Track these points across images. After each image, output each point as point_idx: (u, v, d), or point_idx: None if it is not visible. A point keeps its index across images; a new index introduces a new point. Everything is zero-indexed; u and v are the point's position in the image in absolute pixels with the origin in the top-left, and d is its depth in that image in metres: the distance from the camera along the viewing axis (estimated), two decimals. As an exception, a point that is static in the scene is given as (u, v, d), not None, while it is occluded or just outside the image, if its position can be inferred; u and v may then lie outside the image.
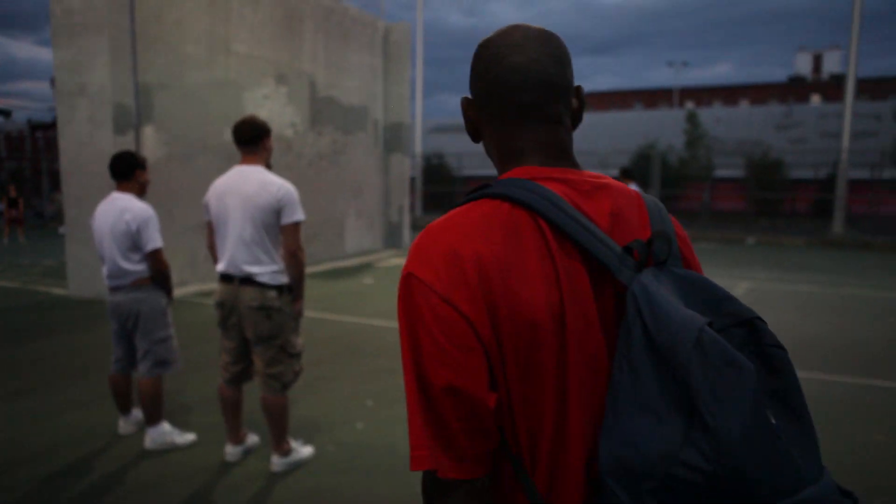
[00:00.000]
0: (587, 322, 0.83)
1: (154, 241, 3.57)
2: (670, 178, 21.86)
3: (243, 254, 3.22)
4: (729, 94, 50.14)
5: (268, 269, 3.24)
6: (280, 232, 3.26)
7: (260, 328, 3.23)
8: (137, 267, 3.58)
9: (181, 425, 3.88)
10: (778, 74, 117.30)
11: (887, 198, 22.34)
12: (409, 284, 0.85)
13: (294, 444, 3.53)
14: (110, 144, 8.13)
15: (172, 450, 3.66)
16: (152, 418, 3.65)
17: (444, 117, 40.95)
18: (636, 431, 0.75)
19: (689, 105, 46.95)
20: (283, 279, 3.28)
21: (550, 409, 0.82)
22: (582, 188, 0.90)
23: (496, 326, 0.81)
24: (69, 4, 8.69)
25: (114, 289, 3.64)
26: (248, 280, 3.22)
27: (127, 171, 3.65)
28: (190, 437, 3.75)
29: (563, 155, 0.95)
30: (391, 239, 14.60)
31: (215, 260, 3.40)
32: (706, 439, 0.70)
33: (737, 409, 0.71)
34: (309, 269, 10.72)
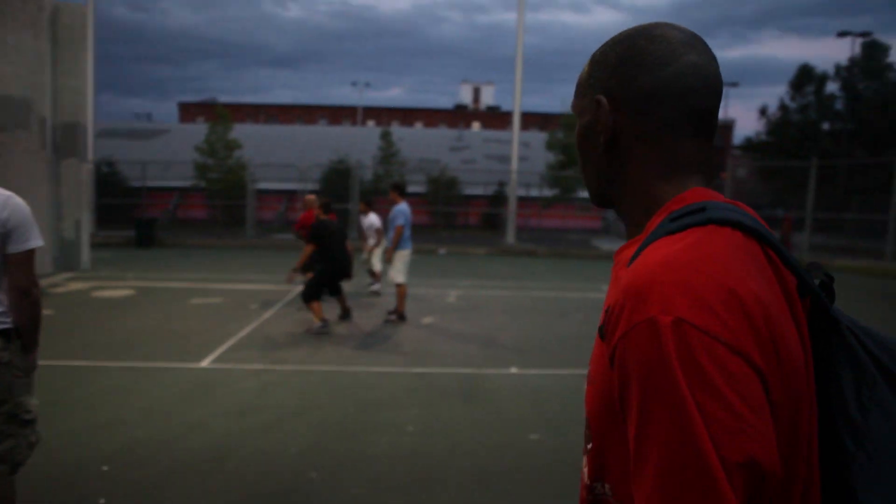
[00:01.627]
0: (811, 361, 0.76)
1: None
2: (366, 192, 22.79)
3: None
4: (406, 115, 54.36)
5: None
6: (5, 262, 2.42)
7: None
8: None
9: None
10: (444, 101, 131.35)
11: (544, 212, 26.68)
12: (684, 335, 0.64)
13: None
14: None
15: None
16: None
17: (113, 120, 36.47)
18: None
19: (371, 123, 49.72)
20: (8, 323, 2.43)
21: (802, 472, 0.71)
22: (749, 211, 0.82)
23: (783, 380, 0.69)
24: None
25: None
26: None
27: None
28: None
29: (715, 176, 0.88)
30: (65, 260, 12.27)
31: None
32: None
33: None
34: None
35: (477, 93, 59.70)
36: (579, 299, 10.50)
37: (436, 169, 26.46)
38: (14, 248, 2.42)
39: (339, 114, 53.16)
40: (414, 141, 33.01)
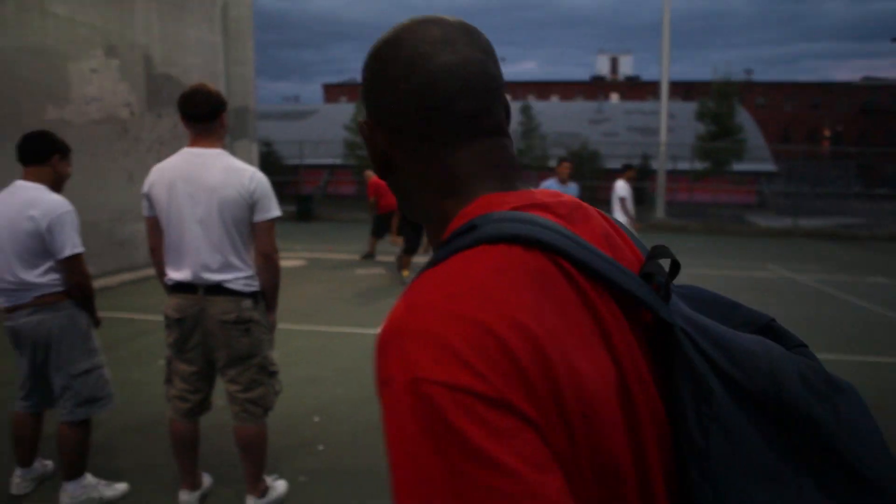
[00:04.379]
0: (645, 386, 0.62)
1: (73, 244, 2.74)
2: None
3: (210, 257, 2.58)
4: (541, 88, 53.60)
5: (241, 276, 2.64)
6: (252, 230, 2.67)
7: (237, 346, 2.62)
8: (44, 279, 2.72)
9: (106, 474, 3.04)
10: (579, 73, 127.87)
11: (694, 186, 25.32)
12: (423, 396, 0.52)
13: (268, 479, 2.92)
14: None
15: (100, 507, 2.85)
16: (73, 471, 2.81)
17: (266, 103, 39.07)
18: None
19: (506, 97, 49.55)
20: (256, 286, 2.69)
21: None
22: (562, 212, 0.69)
23: (568, 427, 0.55)
24: None
25: (10, 309, 2.73)
26: (217, 289, 2.59)
27: (41, 155, 2.79)
28: (121, 487, 2.96)
29: (517, 175, 0.75)
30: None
31: (159, 266, 2.72)
32: (864, 495, 0.59)
33: (882, 446, 0.62)
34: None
35: (614, 63, 57.57)
36: (744, 279, 9.91)
37: (576, 143, 25.92)
38: (259, 217, 2.66)
39: (473, 90, 53.41)
40: (552, 114, 32.46)
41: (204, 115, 2.68)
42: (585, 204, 0.74)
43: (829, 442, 0.60)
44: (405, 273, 8.73)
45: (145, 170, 10.36)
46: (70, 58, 9.04)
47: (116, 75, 9.94)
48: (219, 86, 12.82)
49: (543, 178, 9.11)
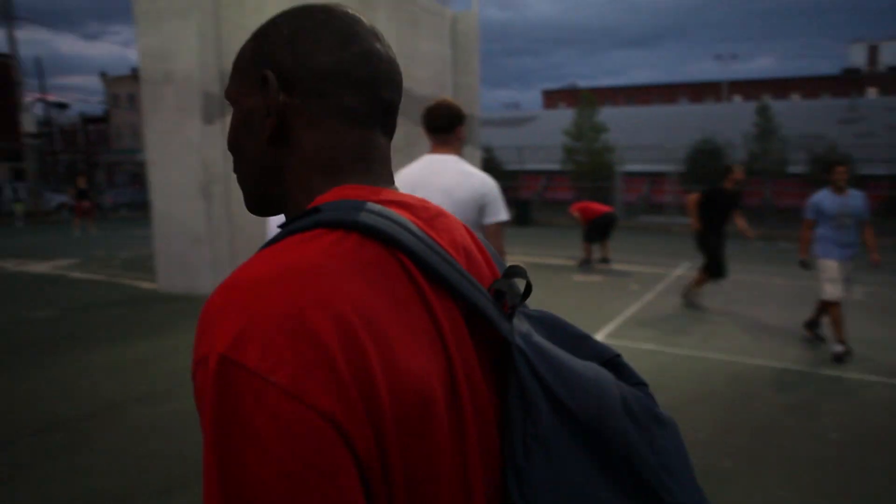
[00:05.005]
0: (476, 392, 0.62)
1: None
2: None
3: None
4: (779, 86, 48.68)
5: None
6: (481, 233, 2.80)
7: None
8: None
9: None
10: (825, 67, 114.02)
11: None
12: (224, 376, 0.50)
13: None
14: (198, 134, 7.79)
15: None
16: None
17: (486, 111, 40.51)
18: None
19: (737, 98, 45.77)
20: None
21: None
22: (424, 215, 0.69)
23: (377, 425, 0.53)
24: (155, -11, 8.35)
25: None
26: None
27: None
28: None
29: (391, 178, 0.73)
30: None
31: None
32: None
33: (687, 476, 0.65)
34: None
35: (873, 52, 50.24)
36: None
37: (821, 145, 23.12)
38: (489, 219, 2.79)
39: (700, 91, 50.23)
40: (792, 114, 29.27)
41: (442, 127, 2.87)
42: (451, 215, 0.74)
43: (641, 469, 0.62)
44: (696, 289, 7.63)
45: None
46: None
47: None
48: (444, 95, 13.61)
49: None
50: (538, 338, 0.66)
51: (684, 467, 0.65)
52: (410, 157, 12.15)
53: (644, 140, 25.62)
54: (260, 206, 0.73)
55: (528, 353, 0.63)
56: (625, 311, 7.26)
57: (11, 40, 27.34)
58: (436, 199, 2.77)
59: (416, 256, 0.61)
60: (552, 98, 55.91)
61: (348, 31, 0.69)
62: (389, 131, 0.74)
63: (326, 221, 0.60)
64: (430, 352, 0.59)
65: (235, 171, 0.74)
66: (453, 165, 2.83)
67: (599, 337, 6.16)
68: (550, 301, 7.91)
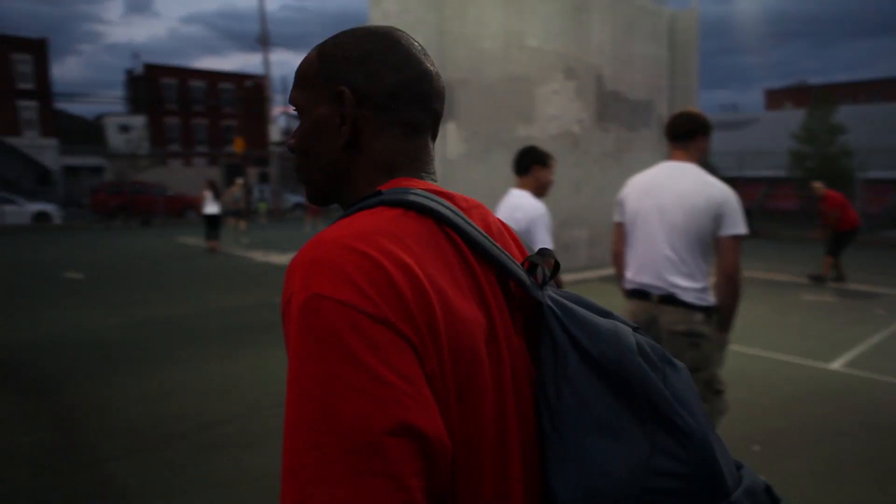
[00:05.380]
0: (512, 344, 0.73)
1: (544, 242, 3.23)
2: None
3: (667, 264, 2.68)
4: None
5: (695, 286, 2.67)
6: (715, 245, 2.67)
7: (682, 358, 2.65)
8: None
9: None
10: None
11: None
12: (317, 309, 0.61)
13: None
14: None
15: None
16: None
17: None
18: (596, 455, 0.68)
19: None
20: (710, 300, 2.68)
21: (490, 450, 0.68)
22: (463, 205, 0.80)
23: (439, 352, 0.64)
24: (386, 8, 9.08)
25: None
26: (670, 299, 2.67)
27: (522, 166, 3.43)
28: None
29: (435, 175, 0.86)
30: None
31: (619, 270, 2.93)
32: (680, 443, 0.69)
33: (698, 408, 0.72)
34: (594, 273, 10.16)
35: None
36: None
37: None
38: (725, 231, 2.64)
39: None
40: None
41: (680, 135, 2.83)
42: (487, 209, 0.85)
43: (654, 399, 0.69)
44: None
45: (590, 180, 11.37)
46: (537, 82, 10.37)
47: (572, 95, 11.01)
48: (659, 99, 13.06)
49: None
50: (569, 304, 0.77)
51: (694, 400, 0.72)
52: (620, 163, 12.09)
53: (890, 142, 22.35)
54: (326, 198, 0.87)
55: (558, 313, 0.74)
56: (868, 339, 6.40)
57: (266, 63, 31.44)
58: (669, 202, 2.71)
59: (461, 230, 0.73)
60: (776, 98, 51.06)
61: (407, 53, 0.82)
62: (435, 136, 0.88)
63: (388, 201, 0.73)
64: (473, 303, 0.70)
65: (299, 170, 0.87)
66: (692, 172, 2.76)
67: (835, 366, 5.52)
68: (772, 319, 7.23)
